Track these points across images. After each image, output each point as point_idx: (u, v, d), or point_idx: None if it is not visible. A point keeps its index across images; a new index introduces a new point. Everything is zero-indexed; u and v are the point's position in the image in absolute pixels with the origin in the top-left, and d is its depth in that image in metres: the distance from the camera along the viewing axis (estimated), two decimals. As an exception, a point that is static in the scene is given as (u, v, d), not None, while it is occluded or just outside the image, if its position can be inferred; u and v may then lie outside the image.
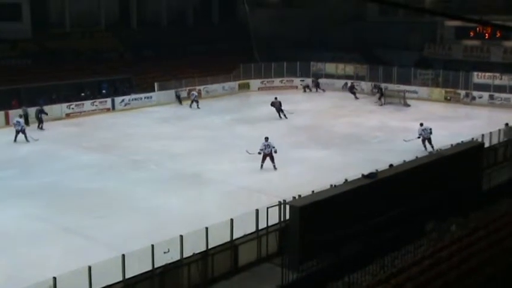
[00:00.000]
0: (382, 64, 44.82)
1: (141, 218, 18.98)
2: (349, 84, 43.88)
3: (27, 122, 32.92)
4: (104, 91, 39.23)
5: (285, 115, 34.89)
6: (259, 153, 24.19)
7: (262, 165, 24.23)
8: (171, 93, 41.45)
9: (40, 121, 33.25)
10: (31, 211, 19.67)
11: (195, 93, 40.37)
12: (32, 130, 31.39)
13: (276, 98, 35.97)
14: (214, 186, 22.25)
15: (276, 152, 24.27)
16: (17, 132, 29.67)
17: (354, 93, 42.37)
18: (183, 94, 41.52)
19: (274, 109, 35.36)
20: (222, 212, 17.40)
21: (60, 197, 21.17)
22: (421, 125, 26.87)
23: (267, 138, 24.56)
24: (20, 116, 31.54)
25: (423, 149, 25.73)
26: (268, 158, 24.22)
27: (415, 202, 16.93)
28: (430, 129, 26.61)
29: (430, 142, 26.15)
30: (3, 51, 39.26)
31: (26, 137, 29.56)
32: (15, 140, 29.48)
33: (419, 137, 26.44)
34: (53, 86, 37.24)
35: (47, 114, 33.87)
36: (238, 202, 19.63)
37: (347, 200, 15.70)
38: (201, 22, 52.11)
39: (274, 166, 24.17)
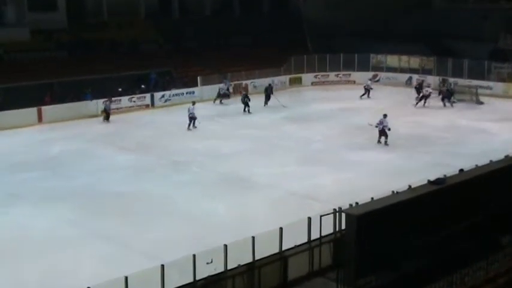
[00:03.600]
0: (452, 56, 44.03)
1: (181, 224, 19.13)
2: (415, 82, 42.59)
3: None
4: (142, 86, 39.69)
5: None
6: (376, 127, 28.40)
7: (379, 140, 28.48)
8: (216, 88, 41.69)
9: (246, 104, 37.04)
10: (63, 215, 20.06)
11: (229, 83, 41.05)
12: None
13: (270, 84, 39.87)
14: (262, 191, 22.26)
15: (389, 129, 28.16)
16: (191, 119, 32.70)
17: (420, 94, 38.94)
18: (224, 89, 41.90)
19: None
20: (270, 220, 17.37)
21: (94, 201, 21.53)
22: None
23: (385, 115, 28.50)
24: (193, 103, 33.73)
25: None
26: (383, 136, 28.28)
27: (488, 212, 16.52)
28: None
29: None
30: (38, 43, 40.20)
31: (194, 123, 32.49)
32: (189, 127, 32.42)
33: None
34: (88, 80, 37.91)
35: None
36: (288, 209, 19.59)
37: (411, 208, 15.43)
38: (248, 11, 52.26)
39: (385, 142, 28.27)
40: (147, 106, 38.57)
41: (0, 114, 33.22)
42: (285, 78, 45.88)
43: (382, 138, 28.53)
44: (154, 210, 20.44)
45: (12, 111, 33.47)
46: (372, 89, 41.52)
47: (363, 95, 41.06)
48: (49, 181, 23.89)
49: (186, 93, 40.81)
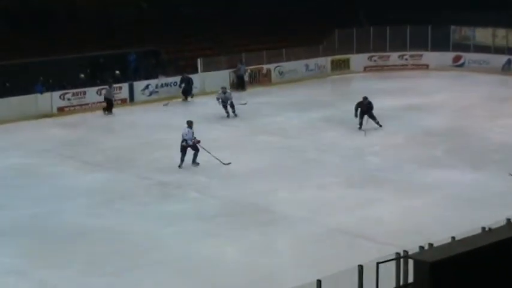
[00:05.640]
0: None
1: (173, 276, 19.13)
2: None
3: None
4: (117, 72, 39.94)
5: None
6: None
7: None
8: (224, 75, 41.86)
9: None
10: (4, 261, 20.02)
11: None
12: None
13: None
14: (291, 227, 22.27)
15: None
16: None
17: None
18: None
19: None
20: (302, 269, 17.49)
21: (47, 240, 21.53)
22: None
23: None
24: (189, 124, 28.67)
25: None
26: None
27: None
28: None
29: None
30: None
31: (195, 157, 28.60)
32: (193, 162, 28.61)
33: None
34: (38, 64, 38.26)
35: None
36: (330, 253, 19.66)
37: (510, 252, 15.46)
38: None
39: None
40: (123, 101, 38.87)
41: None
42: (325, 60, 46.09)
43: None
44: (135, 256, 20.43)
45: None
46: None
47: None
48: (-19, 211, 24.04)
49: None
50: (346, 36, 46.46)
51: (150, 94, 39.99)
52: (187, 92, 40.33)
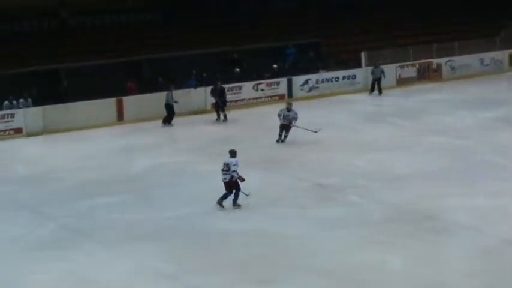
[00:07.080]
0: None
1: (333, 283, 19.11)
2: None
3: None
4: (274, 66, 40.28)
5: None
6: None
7: None
8: (390, 69, 41.64)
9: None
10: (152, 264, 20.47)
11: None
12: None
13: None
14: (461, 237, 21.93)
15: None
16: None
17: None
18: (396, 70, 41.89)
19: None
20: (475, 282, 17.39)
21: (196, 243, 21.89)
22: None
23: None
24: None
25: None
26: None
27: None
28: None
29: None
30: (118, 3, 41.62)
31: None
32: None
33: None
34: (190, 57, 39.09)
35: None
36: (503, 266, 19.34)
37: None
38: None
39: None
40: (281, 97, 39.07)
41: (62, 107, 35.04)
42: (502, 54, 45.23)
43: None
44: (291, 262, 20.45)
45: (80, 104, 35.08)
46: None
47: None
48: (131, 211, 24.57)
49: (343, 77, 40.95)
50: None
51: (310, 90, 40.09)
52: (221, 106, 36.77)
